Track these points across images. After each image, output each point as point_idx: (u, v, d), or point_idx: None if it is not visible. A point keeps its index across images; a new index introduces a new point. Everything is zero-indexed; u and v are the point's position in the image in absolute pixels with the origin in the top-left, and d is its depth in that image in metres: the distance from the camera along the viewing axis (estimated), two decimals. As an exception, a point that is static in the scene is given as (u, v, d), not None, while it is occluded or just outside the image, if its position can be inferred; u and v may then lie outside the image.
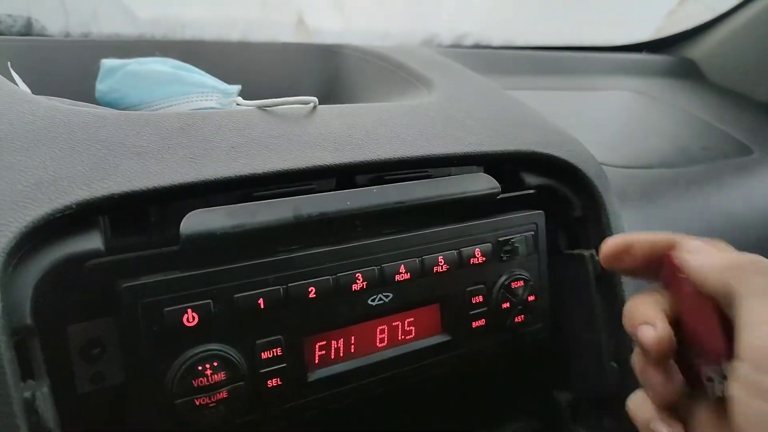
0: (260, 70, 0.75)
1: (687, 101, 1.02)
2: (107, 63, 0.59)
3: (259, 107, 0.46)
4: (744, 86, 1.10)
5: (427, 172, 0.45)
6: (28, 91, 0.46)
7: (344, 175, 0.42)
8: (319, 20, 1.15)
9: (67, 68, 0.66)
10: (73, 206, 0.32)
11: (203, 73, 0.59)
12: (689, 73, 1.16)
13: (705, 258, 0.29)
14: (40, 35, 0.74)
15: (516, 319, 0.46)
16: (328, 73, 0.79)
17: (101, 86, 0.59)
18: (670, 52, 1.22)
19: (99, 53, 0.60)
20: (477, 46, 1.13)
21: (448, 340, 0.43)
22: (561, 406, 0.51)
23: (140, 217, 0.36)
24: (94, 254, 0.33)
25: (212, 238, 0.34)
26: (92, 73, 0.59)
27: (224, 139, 0.39)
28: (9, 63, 0.55)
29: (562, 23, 1.29)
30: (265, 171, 0.38)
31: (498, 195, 0.45)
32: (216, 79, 0.59)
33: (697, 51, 1.19)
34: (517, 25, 1.28)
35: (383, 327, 0.41)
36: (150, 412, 0.33)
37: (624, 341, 0.48)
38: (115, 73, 0.58)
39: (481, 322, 0.44)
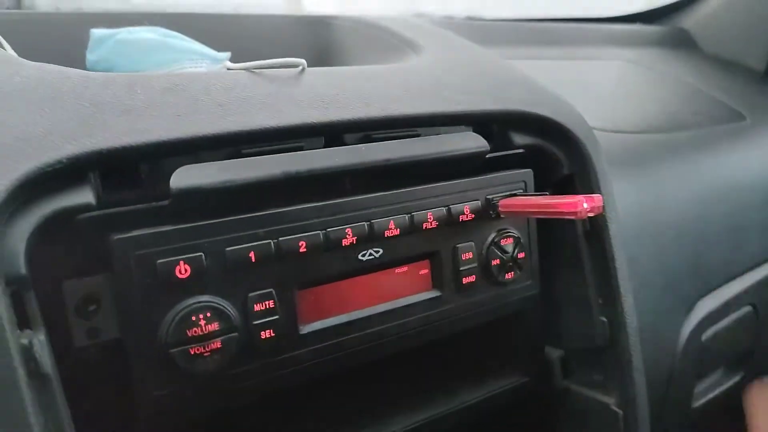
0: (251, 42, 0.75)
1: (679, 70, 1.02)
2: (97, 33, 0.59)
3: (248, 69, 0.46)
4: (737, 54, 1.10)
5: (416, 131, 0.46)
6: (15, 54, 0.47)
7: (332, 134, 0.42)
8: (312, 6, 1.16)
9: (57, 41, 0.66)
10: (63, 160, 0.32)
11: (193, 40, 0.59)
12: (682, 42, 1.15)
13: None
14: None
15: (506, 276, 0.47)
16: (319, 44, 0.79)
17: (91, 56, 0.59)
18: (664, 23, 1.22)
19: (89, 25, 0.60)
20: (470, 19, 1.13)
21: (438, 296, 0.44)
22: (551, 361, 0.52)
23: (131, 174, 0.36)
24: (86, 208, 0.33)
25: (202, 193, 0.35)
26: (82, 45, 0.59)
27: (212, 98, 0.40)
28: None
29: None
30: (254, 128, 0.38)
31: (486, 154, 0.46)
32: (206, 47, 0.59)
33: (691, 20, 1.19)
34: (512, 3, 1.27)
35: (374, 282, 0.42)
36: (146, 363, 0.34)
37: (612, 296, 0.49)
38: (104, 43, 0.58)
39: (471, 278, 0.45)
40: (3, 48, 0.49)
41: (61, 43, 0.65)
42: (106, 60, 0.58)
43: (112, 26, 0.59)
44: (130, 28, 0.59)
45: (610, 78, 0.98)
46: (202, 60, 0.56)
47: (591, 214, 0.38)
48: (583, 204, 0.37)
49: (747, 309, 0.75)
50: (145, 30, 0.60)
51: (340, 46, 0.76)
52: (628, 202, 0.61)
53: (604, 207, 0.49)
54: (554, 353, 0.53)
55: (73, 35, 0.62)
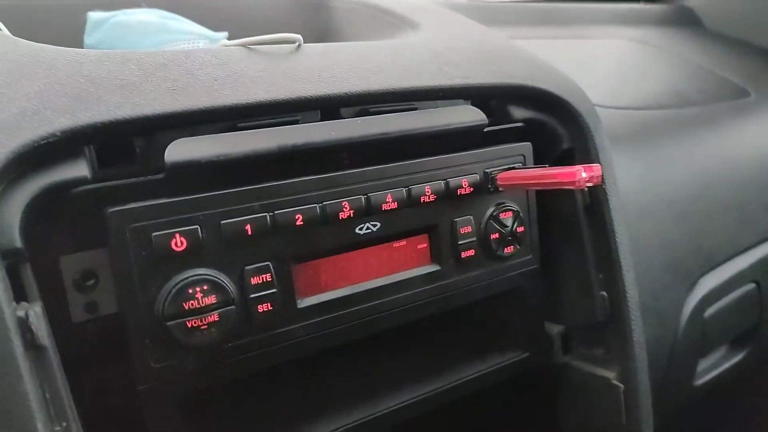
0: (249, 24, 0.75)
1: (684, 48, 1.01)
2: (94, 16, 0.59)
3: (244, 45, 0.46)
4: (742, 32, 1.09)
5: (414, 105, 0.45)
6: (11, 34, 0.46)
7: (329, 108, 0.42)
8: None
9: (54, 25, 0.65)
10: (57, 134, 0.32)
11: (190, 21, 0.59)
12: (687, 20, 1.14)
13: None
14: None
15: (505, 250, 0.46)
16: (319, 26, 0.78)
17: (89, 40, 0.59)
18: (669, 1, 1.20)
19: (85, 9, 0.60)
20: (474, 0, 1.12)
21: (437, 270, 0.44)
22: (552, 337, 0.52)
23: (126, 148, 0.36)
24: (81, 182, 0.33)
25: (197, 167, 0.35)
26: (80, 29, 0.58)
27: (207, 72, 0.39)
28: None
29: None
30: (249, 101, 0.38)
31: (485, 127, 0.45)
32: (203, 28, 0.59)
33: (696, -2, 1.17)
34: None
35: (372, 256, 0.42)
36: (144, 336, 0.34)
37: (613, 270, 0.49)
38: (102, 26, 0.58)
39: (470, 252, 0.45)
40: (-1, 28, 0.49)
41: (59, 27, 0.65)
42: (103, 43, 0.58)
43: (109, 8, 0.59)
44: (127, 10, 0.59)
45: (615, 57, 0.97)
46: (199, 40, 0.56)
47: (590, 184, 0.37)
48: (581, 173, 0.37)
49: (750, 286, 0.74)
50: (142, 12, 0.59)
51: (339, 27, 0.75)
52: (630, 178, 0.60)
53: (603, 179, 0.48)
54: (554, 329, 0.53)
55: (71, 19, 0.61)
